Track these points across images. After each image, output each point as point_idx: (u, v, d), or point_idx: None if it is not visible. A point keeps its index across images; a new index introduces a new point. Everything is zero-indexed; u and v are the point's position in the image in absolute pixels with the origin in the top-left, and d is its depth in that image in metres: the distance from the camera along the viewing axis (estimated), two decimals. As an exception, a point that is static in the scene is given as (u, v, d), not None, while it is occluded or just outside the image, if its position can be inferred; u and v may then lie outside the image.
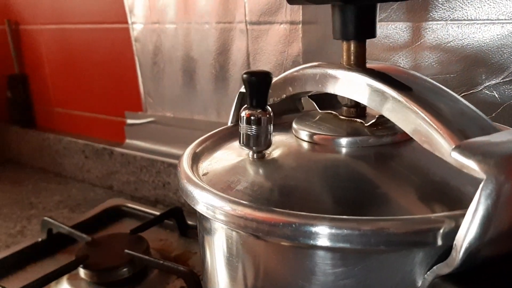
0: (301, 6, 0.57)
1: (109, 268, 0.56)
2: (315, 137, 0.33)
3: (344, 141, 0.32)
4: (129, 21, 0.77)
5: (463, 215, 0.23)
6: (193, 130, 0.73)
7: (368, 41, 0.33)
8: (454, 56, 0.48)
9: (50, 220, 0.66)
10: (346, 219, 0.24)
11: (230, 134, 0.40)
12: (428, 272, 0.25)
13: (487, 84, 0.47)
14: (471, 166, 0.23)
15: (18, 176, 1.00)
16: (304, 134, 0.34)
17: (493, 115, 0.47)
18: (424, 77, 0.31)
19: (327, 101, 0.36)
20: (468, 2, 0.46)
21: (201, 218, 0.33)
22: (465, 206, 0.25)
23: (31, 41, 0.97)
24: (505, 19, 0.44)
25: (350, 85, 0.31)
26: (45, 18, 0.92)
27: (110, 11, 0.80)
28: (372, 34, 0.32)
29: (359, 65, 0.32)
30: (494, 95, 0.46)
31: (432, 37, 0.49)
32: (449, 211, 0.25)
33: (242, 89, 0.40)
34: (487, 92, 0.47)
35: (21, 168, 1.04)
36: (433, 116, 0.27)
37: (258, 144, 0.32)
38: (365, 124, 0.33)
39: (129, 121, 0.84)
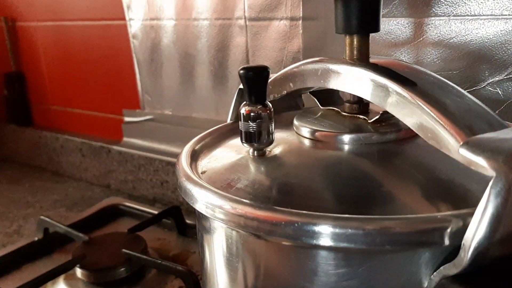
0: (301, 2, 0.56)
1: (106, 268, 0.55)
2: (317, 134, 0.32)
3: (346, 138, 0.31)
4: (127, 18, 0.76)
5: (470, 214, 0.22)
6: (191, 128, 0.73)
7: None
8: (457, 52, 0.47)
9: (46, 219, 0.65)
10: (350, 218, 0.24)
11: (230, 131, 0.39)
12: (435, 273, 0.24)
13: (491, 80, 0.46)
14: (480, 163, 0.22)
15: (14, 174, 0.99)
16: (305, 131, 0.33)
17: (497, 112, 0.46)
18: (429, 72, 0.30)
19: (329, 97, 0.36)
20: (472, -3, 0.45)
21: (200, 217, 0.32)
22: (472, 205, 0.24)
23: (28, 38, 0.96)
24: (509, 15, 0.44)
25: (353, 81, 0.30)
26: (42, 14, 0.91)
27: (107, 8, 0.79)
28: (376, 28, 0.31)
29: (362, 60, 0.32)
30: (498, 92, 0.46)
31: (434, 33, 0.48)
32: (455, 209, 0.25)
33: (242, 86, 0.39)
34: (491, 89, 0.46)
35: (17, 167, 1.03)
36: (439, 111, 0.26)
37: (260, 140, 0.31)
38: (369, 121, 0.32)
39: (127, 119, 0.84)
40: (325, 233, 0.24)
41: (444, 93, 0.28)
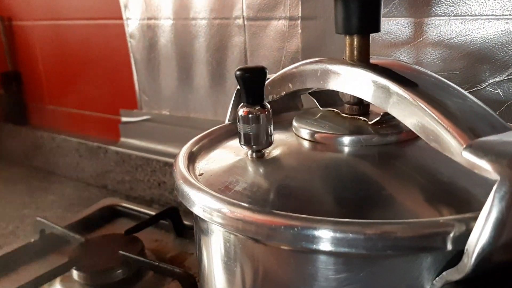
0: (300, 1, 0.56)
1: (103, 270, 0.54)
2: (316, 135, 0.32)
3: (346, 139, 0.31)
4: (124, 17, 0.75)
5: (473, 218, 0.22)
6: (189, 128, 0.72)
7: (368, 37, 0.32)
8: (457, 52, 0.47)
9: (42, 220, 0.65)
10: (351, 222, 0.23)
11: (228, 132, 0.39)
12: (437, 278, 0.23)
13: (491, 81, 0.45)
14: (484, 166, 0.22)
15: (11, 175, 0.98)
16: (305, 133, 0.33)
17: (497, 113, 0.45)
18: (430, 73, 0.30)
19: (329, 98, 0.35)
20: (472, -3, 0.45)
21: (197, 220, 0.31)
22: (475, 209, 0.24)
23: (25, 37, 0.96)
24: (510, 15, 0.43)
25: (353, 82, 0.30)
26: (39, 14, 0.91)
27: (104, 7, 0.79)
28: (377, 28, 0.31)
29: (363, 60, 0.31)
30: (498, 92, 0.45)
31: (434, 33, 0.47)
32: (458, 213, 0.24)
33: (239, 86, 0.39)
34: (491, 89, 0.46)
35: (14, 167, 1.03)
36: (441, 113, 0.25)
37: (259, 142, 0.31)
38: (369, 122, 0.32)
39: (124, 119, 0.83)
40: (325, 238, 0.23)
41: (446, 94, 0.27)
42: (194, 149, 0.36)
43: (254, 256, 0.28)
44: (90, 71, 0.86)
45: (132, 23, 0.75)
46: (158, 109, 0.77)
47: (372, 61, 0.31)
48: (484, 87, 0.46)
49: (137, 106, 0.80)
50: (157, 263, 0.53)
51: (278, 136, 0.34)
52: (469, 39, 0.46)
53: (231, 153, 0.34)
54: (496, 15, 0.44)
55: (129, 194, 0.83)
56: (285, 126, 0.36)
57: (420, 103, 0.26)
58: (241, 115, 0.31)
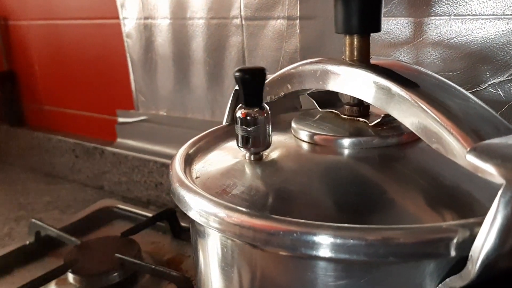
0: (298, 1, 0.55)
1: (99, 273, 0.54)
2: (315, 137, 0.31)
3: (346, 142, 0.30)
4: (121, 17, 0.74)
5: (477, 224, 0.21)
6: (186, 129, 0.71)
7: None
8: (457, 53, 0.46)
9: (38, 222, 0.64)
10: (352, 228, 0.22)
11: (225, 134, 0.38)
12: (440, 285, 0.23)
13: (492, 82, 0.45)
14: (489, 170, 0.21)
15: (6, 176, 0.97)
16: (304, 135, 0.32)
17: (498, 114, 0.45)
18: (431, 73, 0.29)
19: (328, 99, 0.35)
20: (473, -3, 0.44)
21: (194, 224, 0.31)
22: (479, 213, 0.23)
23: (20, 37, 0.95)
24: (511, 15, 0.42)
25: (353, 82, 0.29)
26: (35, 13, 0.90)
27: (101, 6, 0.78)
28: (377, 28, 0.30)
29: (363, 61, 0.30)
30: (499, 93, 0.45)
31: (434, 33, 0.47)
32: (461, 218, 0.23)
33: (238, 87, 0.38)
34: (492, 90, 0.45)
35: (9, 168, 1.02)
36: (444, 115, 0.25)
37: (257, 145, 0.30)
38: (369, 124, 0.31)
39: (121, 119, 0.82)
40: (325, 244, 0.22)
41: (448, 95, 0.27)
42: (191, 151, 0.35)
43: (252, 262, 0.27)
44: (86, 71, 0.85)
45: (129, 23, 0.74)
46: (155, 109, 0.76)
47: (372, 61, 0.31)
48: (485, 87, 0.45)
49: (134, 107, 0.79)
50: (153, 266, 0.52)
51: (276, 138, 0.33)
52: (470, 39, 0.45)
53: (229, 155, 0.34)
54: (497, 15, 0.43)
55: (126, 196, 0.83)
56: (284, 127, 0.35)
57: (422, 104, 0.26)
58: (239, 117, 0.30)
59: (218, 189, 0.29)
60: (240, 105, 0.30)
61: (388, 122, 0.30)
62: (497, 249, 0.20)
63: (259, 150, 0.31)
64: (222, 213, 0.25)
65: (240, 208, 0.25)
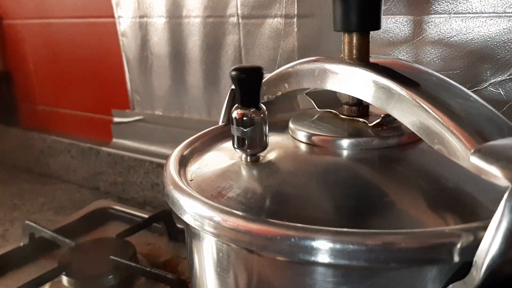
0: (296, -1, 0.54)
1: (93, 276, 0.53)
2: (313, 138, 0.30)
3: (345, 142, 0.29)
4: (116, 15, 0.74)
5: (481, 228, 0.21)
6: (183, 129, 0.71)
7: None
8: (457, 51, 0.45)
9: (32, 224, 0.63)
10: (351, 232, 0.22)
11: (221, 134, 0.37)
12: (443, 291, 0.22)
13: (493, 81, 0.44)
14: (494, 172, 0.20)
15: (1, 176, 0.96)
16: (301, 135, 0.31)
17: (499, 113, 0.44)
18: (432, 72, 0.29)
19: (326, 99, 0.34)
20: (473, -6, 0.43)
21: (189, 227, 0.30)
22: (482, 217, 0.22)
23: (15, 36, 0.94)
24: (513, 12, 0.42)
25: (352, 81, 0.29)
26: (29, 12, 0.89)
27: (95, 5, 0.77)
28: (377, 26, 0.29)
29: (362, 59, 0.30)
30: (500, 92, 0.44)
31: (434, 32, 0.46)
32: (465, 222, 0.23)
33: (234, 86, 0.37)
34: (492, 89, 0.44)
35: (4, 168, 1.01)
36: (446, 115, 0.24)
37: (253, 146, 0.29)
38: (369, 124, 0.30)
39: (116, 119, 0.81)
40: (324, 249, 0.22)
41: (450, 95, 0.26)
42: (186, 152, 0.34)
43: (248, 267, 0.26)
44: (81, 70, 0.84)
45: (124, 21, 0.73)
46: (151, 109, 0.76)
47: (371, 60, 0.30)
48: (486, 87, 0.45)
49: (130, 106, 0.78)
50: (148, 269, 0.51)
51: (273, 139, 0.32)
52: (470, 38, 0.44)
53: (225, 157, 0.33)
54: (498, 13, 0.43)
55: (122, 196, 0.82)
56: (281, 128, 0.34)
57: (423, 104, 0.25)
58: (235, 117, 0.29)
59: (213, 191, 0.28)
60: (236, 105, 0.30)
61: (388, 122, 0.30)
62: (503, 255, 0.19)
63: (256, 152, 0.30)
64: (218, 217, 0.25)
65: (236, 212, 0.25)
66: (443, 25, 0.46)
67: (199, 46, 0.65)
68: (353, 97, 0.32)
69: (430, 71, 0.29)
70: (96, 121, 0.86)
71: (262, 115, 0.29)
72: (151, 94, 0.74)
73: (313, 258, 0.22)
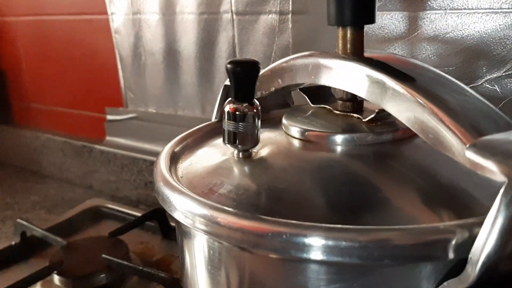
0: (290, -5, 0.54)
1: (85, 275, 0.52)
2: (307, 134, 0.30)
3: (339, 138, 0.29)
4: (109, 12, 0.73)
5: (477, 224, 0.20)
6: (176, 126, 0.70)
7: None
8: (453, 47, 0.45)
9: (24, 222, 0.63)
10: (345, 228, 0.21)
11: (214, 131, 0.37)
12: (438, 289, 0.22)
13: (488, 77, 0.44)
14: (490, 167, 0.20)
15: (-7, 175, 0.96)
16: (295, 131, 0.31)
17: (495, 110, 0.44)
18: (428, 67, 0.28)
19: (320, 94, 0.34)
20: (469, -10, 0.43)
21: (180, 224, 0.29)
22: (477, 213, 0.22)
23: (7, 33, 0.93)
24: (508, 8, 0.42)
25: (347, 76, 0.28)
26: (22, 9, 0.88)
27: (88, 1, 0.76)
28: (371, 20, 0.29)
29: (356, 54, 0.29)
30: (496, 89, 0.44)
31: (430, 28, 0.46)
32: (460, 218, 0.22)
33: (227, 82, 0.36)
34: (488, 86, 0.44)
35: (-4, 167, 1.00)
36: (441, 109, 0.24)
37: (244, 142, 0.29)
38: (363, 120, 0.30)
39: (110, 117, 0.81)
40: (317, 246, 0.21)
41: (445, 89, 0.26)
42: (177, 148, 0.34)
43: (240, 265, 0.26)
44: (74, 68, 0.84)
45: (117, 18, 0.72)
46: (145, 106, 0.75)
47: (366, 54, 0.29)
48: (481, 83, 0.44)
49: (123, 104, 0.78)
50: (141, 268, 0.50)
51: (267, 135, 0.32)
52: (466, 34, 0.44)
53: (217, 153, 0.32)
54: (494, 9, 0.42)
55: (115, 195, 0.81)
56: (275, 124, 0.34)
57: (418, 99, 0.24)
58: (227, 111, 0.29)
59: (204, 188, 0.27)
60: (230, 99, 0.29)
61: (383, 117, 0.29)
62: (498, 251, 0.19)
63: (247, 148, 0.29)
64: (208, 213, 0.24)
65: (227, 209, 0.24)
66: (438, 21, 0.45)
67: (193, 43, 0.65)
68: (347, 92, 0.31)
69: (426, 66, 0.28)
70: (89, 119, 0.85)
71: (255, 110, 0.29)
72: (145, 91, 0.74)
73: (305, 255, 0.21)
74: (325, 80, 0.30)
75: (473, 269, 0.20)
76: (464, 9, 0.44)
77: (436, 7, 0.45)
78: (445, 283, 0.21)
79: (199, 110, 0.68)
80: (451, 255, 0.21)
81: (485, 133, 0.22)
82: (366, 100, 0.28)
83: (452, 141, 0.22)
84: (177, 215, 0.26)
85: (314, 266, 0.23)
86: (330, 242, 0.21)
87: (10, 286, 0.50)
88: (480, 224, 0.20)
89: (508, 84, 0.43)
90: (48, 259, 0.55)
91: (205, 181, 0.28)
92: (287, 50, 0.56)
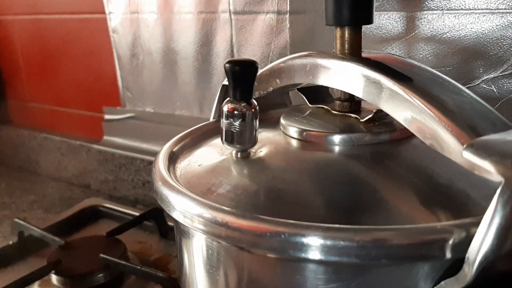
0: (288, -5, 0.54)
1: (83, 274, 0.52)
2: (305, 134, 0.30)
3: (337, 138, 0.29)
4: (107, 11, 0.73)
5: (474, 224, 0.20)
6: (174, 126, 0.70)
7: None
8: (450, 48, 0.45)
9: (21, 222, 0.62)
10: (342, 228, 0.21)
11: (212, 131, 0.37)
12: (435, 288, 0.22)
13: (485, 77, 0.44)
14: (487, 167, 0.20)
15: (-10, 174, 0.95)
16: (293, 131, 0.31)
17: (492, 110, 0.44)
18: (425, 67, 0.28)
19: (318, 94, 0.34)
20: (466, -10, 0.43)
21: (178, 224, 0.29)
22: (474, 213, 0.22)
23: (5, 32, 0.93)
24: (505, 9, 0.42)
25: (344, 76, 0.28)
26: (19, 8, 0.88)
27: (86, 0, 0.76)
28: (369, 20, 0.29)
29: (354, 54, 0.29)
30: (493, 89, 0.44)
31: (427, 28, 0.46)
32: (457, 218, 0.22)
33: (226, 82, 0.37)
34: (485, 86, 0.44)
35: (-7, 166, 1.00)
36: (438, 110, 0.24)
37: (242, 141, 0.29)
38: (361, 120, 0.30)
39: (107, 116, 0.81)
40: (315, 246, 0.21)
41: (443, 90, 0.26)
42: (176, 148, 0.34)
43: (238, 264, 0.26)
44: (72, 67, 0.83)
45: (115, 17, 0.72)
46: (142, 106, 0.75)
47: (364, 55, 0.29)
48: (478, 83, 0.44)
49: (121, 103, 0.78)
50: (139, 267, 0.51)
51: (264, 135, 0.32)
52: (463, 34, 0.44)
53: (215, 153, 0.32)
54: (491, 9, 0.42)
55: (113, 194, 0.81)
56: (272, 124, 0.34)
57: (415, 99, 0.25)
58: (225, 111, 0.29)
59: (203, 188, 0.28)
60: (228, 99, 0.29)
61: (380, 117, 0.29)
62: (496, 251, 0.19)
63: (245, 147, 0.29)
64: (207, 213, 0.24)
65: (226, 208, 0.24)
66: (436, 22, 0.45)
67: (191, 43, 0.65)
68: (345, 92, 0.31)
69: (423, 66, 0.28)
70: (87, 118, 0.85)
71: (253, 110, 0.29)
72: (142, 91, 0.74)
73: (303, 255, 0.21)
74: (323, 80, 0.30)
75: (470, 268, 0.20)
76: (461, 9, 0.44)
77: (434, 8, 0.45)
78: (442, 283, 0.21)
79: (197, 109, 0.68)
80: (448, 254, 0.21)
81: (482, 134, 0.22)
82: (364, 100, 0.28)
83: (449, 141, 0.23)
84: (176, 215, 0.26)
85: (312, 265, 0.23)
86: (328, 242, 0.21)
87: (8, 286, 0.50)
88: (477, 224, 0.20)
89: (505, 85, 0.43)
90: (46, 259, 0.55)
91: (203, 180, 0.29)
92: (285, 50, 0.56)
